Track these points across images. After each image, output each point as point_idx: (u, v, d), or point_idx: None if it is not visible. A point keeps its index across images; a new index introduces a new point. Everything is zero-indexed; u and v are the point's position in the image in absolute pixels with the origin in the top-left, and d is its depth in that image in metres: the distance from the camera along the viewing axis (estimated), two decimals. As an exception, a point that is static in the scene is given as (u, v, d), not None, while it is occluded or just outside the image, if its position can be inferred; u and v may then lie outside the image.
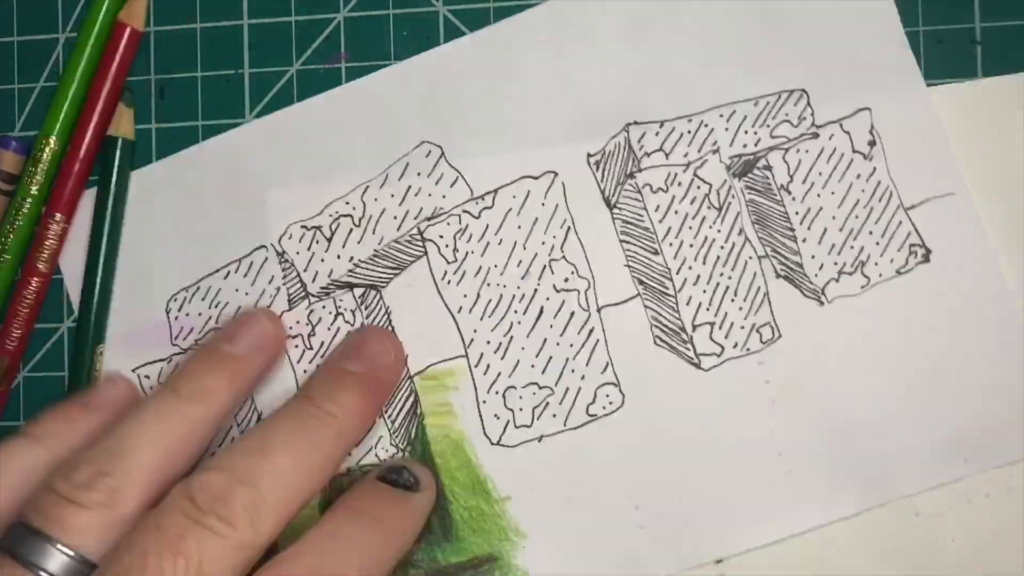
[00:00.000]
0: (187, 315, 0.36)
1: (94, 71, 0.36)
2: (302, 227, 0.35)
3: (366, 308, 0.35)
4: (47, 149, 0.36)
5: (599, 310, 0.34)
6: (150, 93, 0.37)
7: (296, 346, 0.35)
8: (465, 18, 0.35)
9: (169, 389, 0.31)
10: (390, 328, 0.35)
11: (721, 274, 0.33)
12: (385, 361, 0.33)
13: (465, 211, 0.34)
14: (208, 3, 0.37)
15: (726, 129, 0.33)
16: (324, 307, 0.35)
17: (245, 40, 0.37)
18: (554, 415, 0.34)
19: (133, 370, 0.36)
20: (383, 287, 0.35)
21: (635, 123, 0.34)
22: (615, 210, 0.34)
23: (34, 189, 0.36)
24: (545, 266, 0.34)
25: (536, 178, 0.34)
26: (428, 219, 0.35)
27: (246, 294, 0.35)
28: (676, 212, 0.33)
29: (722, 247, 0.33)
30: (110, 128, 0.36)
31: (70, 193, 0.36)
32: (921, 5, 0.33)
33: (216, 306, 0.35)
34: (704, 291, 0.33)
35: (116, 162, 0.36)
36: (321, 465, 0.30)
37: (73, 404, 0.32)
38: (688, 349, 0.33)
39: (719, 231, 0.33)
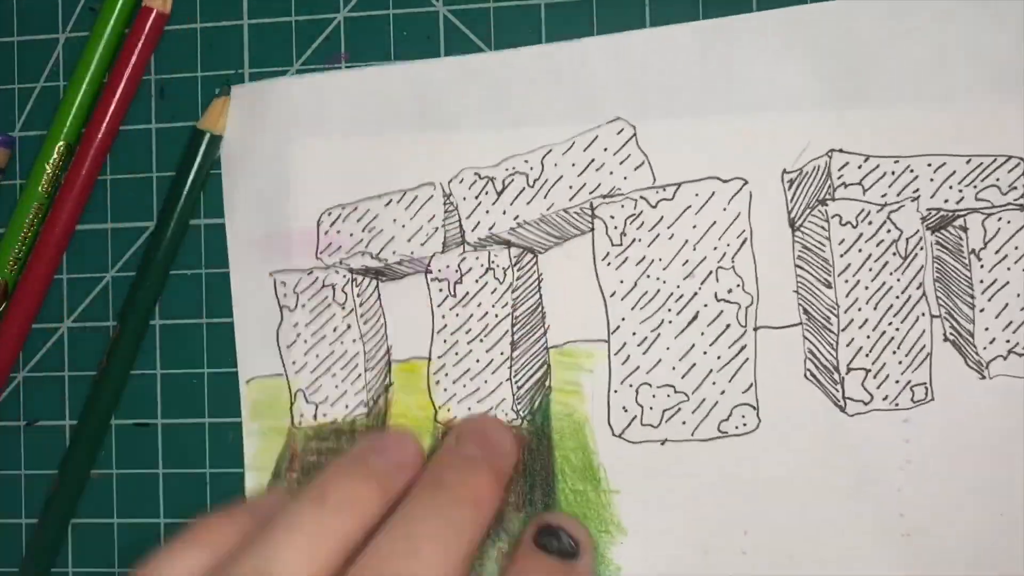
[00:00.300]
0: (338, 232, 0.35)
1: (110, 62, 0.36)
2: (475, 174, 0.34)
3: (519, 270, 0.34)
4: (57, 148, 0.36)
5: (756, 329, 0.33)
6: (150, 93, 0.37)
7: (440, 290, 0.34)
8: (465, 18, 0.35)
9: (317, 497, 0.28)
10: (539, 295, 0.34)
11: (890, 323, 0.32)
12: (506, 448, 0.32)
13: (643, 197, 0.33)
14: (208, 3, 0.37)
15: (931, 180, 0.32)
16: (477, 258, 0.34)
17: (245, 40, 0.36)
18: (683, 422, 0.33)
19: (270, 274, 0.35)
20: (541, 253, 0.34)
21: (840, 151, 0.33)
22: (797, 233, 0.33)
23: (43, 187, 0.36)
24: (712, 272, 0.33)
25: (724, 181, 0.33)
26: (603, 196, 0.34)
27: (403, 226, 0.35)
28: (860, 250, 0.32)
29: (897, 297, 0.32)
30: (201, 121, 0.36)
31: (78, 192, 0.36)
32: None
33: (369, 231, 0.35)
34: (868, 336, 0.32)
35: (198, 159, 0.36)
36: (468, 553, 0.29)
37: (237, 509, 0.30)
38: (837, 390, 0.32)
39: (898, 280, 0.32)
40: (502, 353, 0.34)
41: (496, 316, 0.34)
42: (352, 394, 0.35)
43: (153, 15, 0.36)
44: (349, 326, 0.35)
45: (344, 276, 0.35)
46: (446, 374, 0.34)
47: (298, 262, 0.35)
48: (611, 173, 0.34)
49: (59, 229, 0.36)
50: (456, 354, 0.34)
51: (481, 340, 0.34)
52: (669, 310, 0.33)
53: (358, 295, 0.35)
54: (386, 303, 0.35)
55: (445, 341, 0.34)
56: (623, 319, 0.34)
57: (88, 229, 0.37)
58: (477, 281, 0.34)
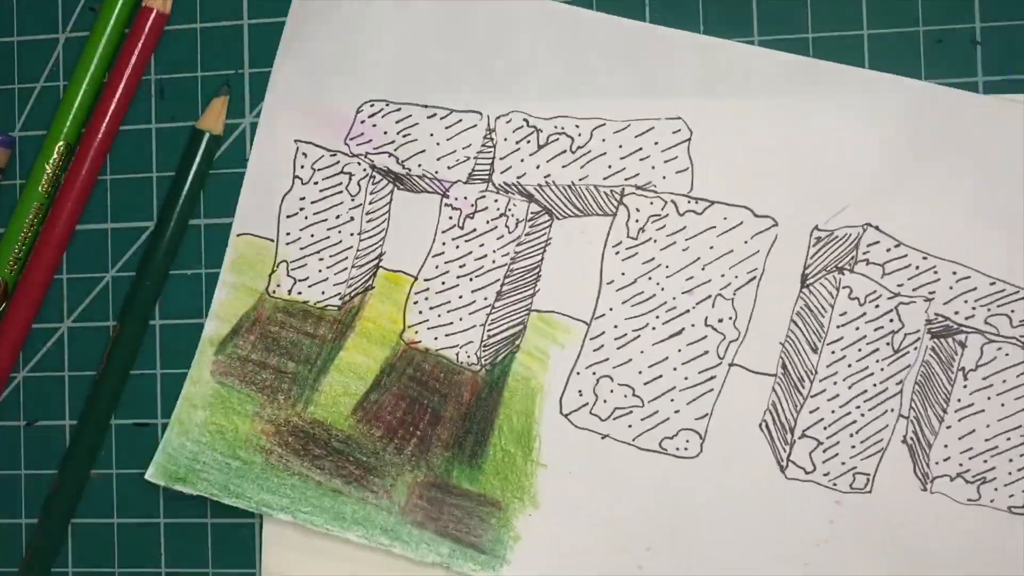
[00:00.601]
0: (373, 125, 0.35)
1: (110, 62, 0.36)
2: (524, 119, 0.34)
3: (532, 227, 0.34)
4: (57, 148, 0.36)
5: (731, 365, 0.33)
6: (150, 93, 0.37)
7: (450, 217, 0.34)
8: None
9: None
10: (540, 258, 0.34)
11: (858, 407, 0.32)
12: None
13: (674, 201, 0.33)
14: (208, 3, 0.36)
15: (951, 287, 0.32)
16: (496, 200, 0.34)
17: (245, 40, 0.36)
18: (630, 426, 0.33)
19: (295, 140, 0.35)
20: (558, 218, 0.34)
21: (876, 228, 0.32)
22: (805, 290, 0.33)
23: (43, 187, 0.36)
24: (711, 296, 0.33)
25: (756, 216, 0.33)
26: (637, 187, 0.33)
27: (437, 144, 0.34)
28: (857, 328, 0.32)
29: (875, 385, 0.32)
30: (200, 121, 0.36)
31: (78, 192, 0.36)
32: (921, 5, 0.33)
33: (403, 136, 0.35)
34: (833, 411, 0.32)
35: (197, 158, 0.35)
36: None
37: None
38: (784, 450, 0.33)
39: (882, 370, 0.32)
40: (485, 299, 0.34)
41: (493, 262, 0.34)
42: (332, 283, 0.35)
43: (153, 15, 0.36)
44: (352, 218, 0.35)
45: (365, 170, 0.35)
46: (426, 298, 0.34)
47: (326, 140, 0.35)
48: (653, 168, 0.33)
49: (59, 229, 0.36)
50: (443, 283, 0.34)
51: (471, 279, 0.34)
52: (657, 317, 0.33)
53: (371, 192, 0.35)
54: (394, 210, 0.35)
55: (437, 267, 0.34)
56: (610, 309, 0.34)
57: (88, 229, 0.37)
58: (488, 223, 0.34)
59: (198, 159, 0.35)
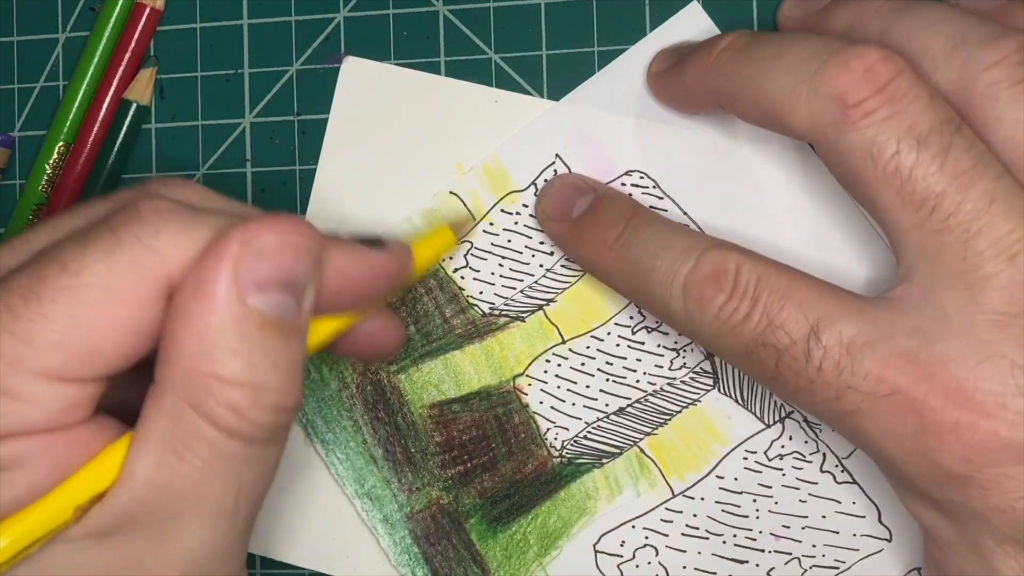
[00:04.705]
0: (628, 194, 0.33)
1: (110, 62, 0.35)
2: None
3: (693, 378, 0.33)
4: (57, 148, 0.35)
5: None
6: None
7: (631, 316, 0.33)
8: (465, 18, 0.35)
9: None
10: (679, 410, 0.33)
11: None
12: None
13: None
14: (208, 3, 0.36)
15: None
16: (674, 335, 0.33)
17: (245, 40, 0.35)
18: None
19: (557, 154, 0.34)
20: (720, 391, 0.33)
21: None
22: None
23: (43, 187, 0.36)
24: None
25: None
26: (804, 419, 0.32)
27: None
28: None
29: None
30: (128, 92, 0.35)
31: (71, 193, 0.35)
32: None
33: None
34: None
35: (123, 130, 0.35)
36: None
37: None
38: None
39: None
40: (607, 405, 0.33)
41: (636, 380, 0.33)
42: (494, 292, 0.34)
43: (147, 12, 0.35)
44: (552, 253, 0.34)
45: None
46: (559, 364, 0.34)
47: (582, 170, 0.34)
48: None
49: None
50: (582, 364, 0.33)
51: (608, 379, 0.33)
52: (734, 536, 0.32)
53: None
54: (587, 275, 0.34)
55: (587, 347, 0.33)
56: (702, 499, 0.33)
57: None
58: (658, 346, 0.33)
59: (124, 130, 0.36)
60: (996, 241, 0.24)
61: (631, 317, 0.33)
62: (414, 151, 0.34)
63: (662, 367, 0.33)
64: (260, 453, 0.23)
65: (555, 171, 0.34)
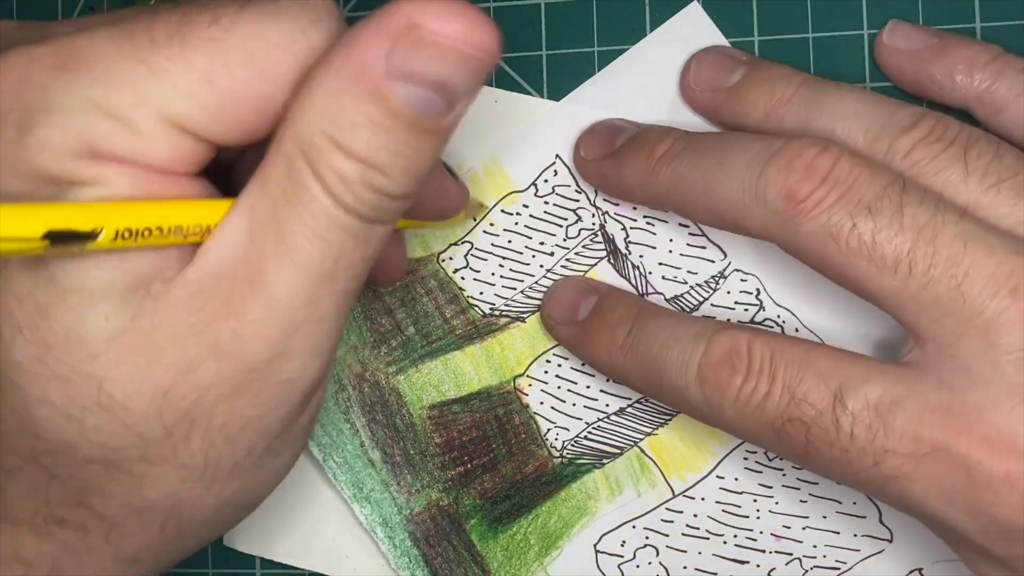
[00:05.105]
0: (629, 191, 0.33)
1: None
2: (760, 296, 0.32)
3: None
4: None
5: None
6: None
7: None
8: None
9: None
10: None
11: None
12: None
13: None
14: None
15: None
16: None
17: None
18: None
19: (556, 155, 0.34)
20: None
21: None
22: None
23: None
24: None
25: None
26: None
27: (669, 251, 0.33)
28: None
29: None
30: None
31: None
32: (921, 5, 0.32)
33: (648, 222, 0.33)
34: None
35: None
36: None
37: None
38: None
39: None
40: (607, 406, 0.33)
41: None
42: (495, 292, 0.34)
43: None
44: (552, 254, 0.33)
45: (594, 224, 0.33)
46: (559, 365, 0.34)
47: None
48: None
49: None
50: (583, 364, 0.33)
51: (608, 380, 0.33)
52: (735, 536, 0.32)
53: (584, 247, 0.33)
54: (590, 275, 0.34)
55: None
56: (703, 499, 0.33)
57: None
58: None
59: None
60: (989, 278, 0.25)
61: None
62: (414, 151, 0.34)
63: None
64: (362, 227, 0.22)
65: (555, 171, 0.34)
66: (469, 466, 0.34)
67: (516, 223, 0.34)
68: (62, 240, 0.20)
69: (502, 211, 0.34)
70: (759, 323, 0.32)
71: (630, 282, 0.33)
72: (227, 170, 0.26)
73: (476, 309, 0.34)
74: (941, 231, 0.25)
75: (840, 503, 0.32)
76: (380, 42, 0.21)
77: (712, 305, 0.33)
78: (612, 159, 0.31)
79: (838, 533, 0.32)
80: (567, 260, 0.34)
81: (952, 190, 0.26)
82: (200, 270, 0.22)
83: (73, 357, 0.22)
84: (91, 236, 0.21)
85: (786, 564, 0.32)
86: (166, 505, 0.24)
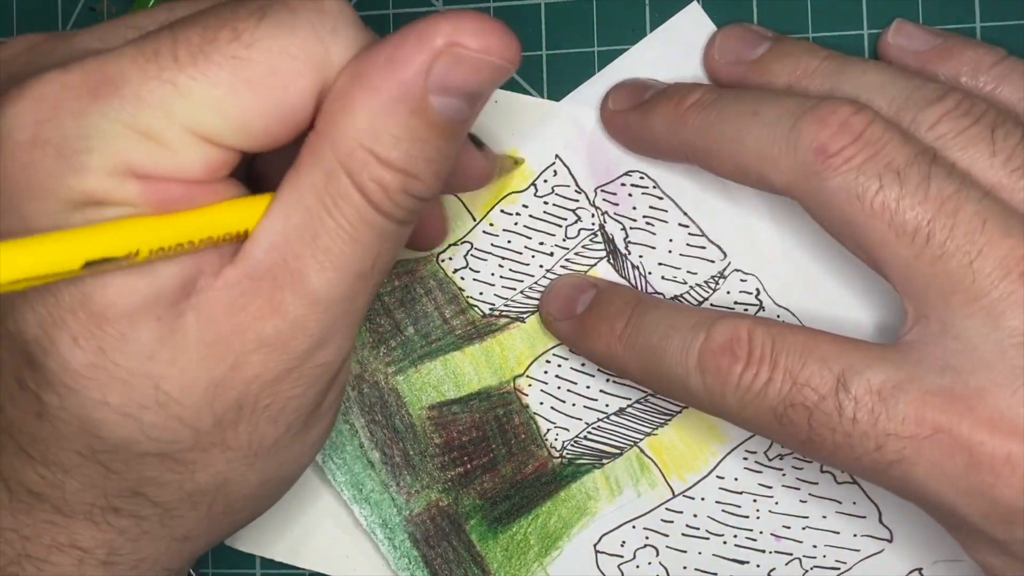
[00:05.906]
0: (629, 195, 0.33)
1: None
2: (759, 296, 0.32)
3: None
4: None
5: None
6: None
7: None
8: None
9: None
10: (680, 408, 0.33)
11: None
12: None
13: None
14: None
15: None
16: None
17: None
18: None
19: (556, 155, 0.34)
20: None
21: None
22: None
23: None
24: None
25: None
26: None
27: (669, 251, 0.33)
28: None
29: None
30: None
31: None
32: (921, 5, 0.32)
33: (648, 223, 0.33)
34: None
35: None
36: None
37: None
38: None
39: None
40: (607, 406, 0.33)
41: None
42: (494, 292, 0.34)
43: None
44: (552, 254, 0.33)
45: (593, 224, 0.33)
46: (559, 365, 0.34)
47: (581, 173, 0.34)
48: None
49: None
50: (583, 364, 0.33)
51: (608, 380, 0.33)
52: (735, 536, 0.32)
53: (583, 247, 0.33)
54: (589, 275, 0.34)
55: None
56: (703, 499, 0.33)
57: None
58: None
59: None
60: (1001, 260, 0.25)
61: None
62: (413, 151, 0.34)
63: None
64: (396, 229, 0.24)
65: (555, 171, 0.34)
66: (469, 466, 0.34)
67: (516, 223, 0.34)
68: (101, 263, 0.22)
69: (502, 211, 0.34)
70: (759, 323, 0.32)
71: (630, 282, 0.33)
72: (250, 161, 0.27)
73: (476, 309, 0.34)
74: (964, 206, 0.25)
75: (840, 503, 0.32)
76: (422, 60, 0.22)
77: (712, 305, 0.33)
78: (639, 109, 0.31)
79: (838, 533, 0.32)
80: (567, 260, 0.34)
81: (976, 168, 0.26)
82: (240, 271, 0.24)
83: (130, 360, 0.23)
84: (127, 258, 0.22)
85: (786, 564, 0.32)
86: (213, 485, 0.25)
